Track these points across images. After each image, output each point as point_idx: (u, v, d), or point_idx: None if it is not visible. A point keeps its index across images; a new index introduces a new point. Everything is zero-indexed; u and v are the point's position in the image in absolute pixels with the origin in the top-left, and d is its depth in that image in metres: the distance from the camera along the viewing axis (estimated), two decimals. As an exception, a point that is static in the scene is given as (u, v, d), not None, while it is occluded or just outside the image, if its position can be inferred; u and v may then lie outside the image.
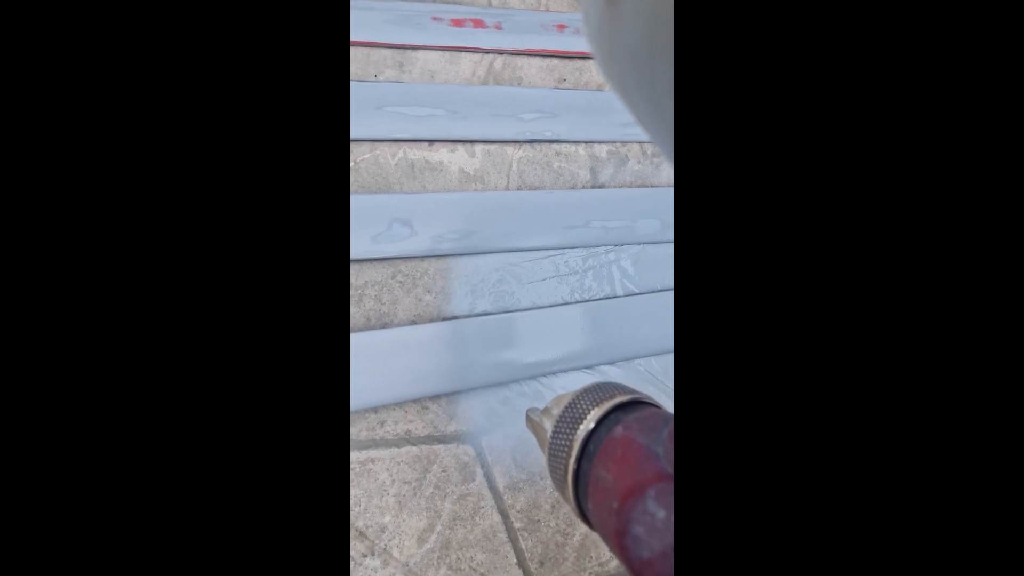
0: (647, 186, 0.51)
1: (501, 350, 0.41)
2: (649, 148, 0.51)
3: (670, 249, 0.48)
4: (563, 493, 0.23)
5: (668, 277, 0.48)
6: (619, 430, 0.21)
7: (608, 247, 0.47)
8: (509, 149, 0.47)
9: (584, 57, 0.52)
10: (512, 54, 0.49)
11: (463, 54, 0.48)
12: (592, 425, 0.22)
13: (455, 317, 0.41)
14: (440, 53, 0.47)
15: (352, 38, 0.45)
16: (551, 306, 0.44)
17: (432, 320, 0.41)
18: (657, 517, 0.17)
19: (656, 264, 0.48)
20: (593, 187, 0.49)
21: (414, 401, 0.39)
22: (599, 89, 0.52)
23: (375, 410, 0.38)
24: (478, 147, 0.46)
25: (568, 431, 0.23)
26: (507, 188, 0.46)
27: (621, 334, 0.45)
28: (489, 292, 0.43)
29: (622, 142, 0.51)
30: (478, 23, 0.49)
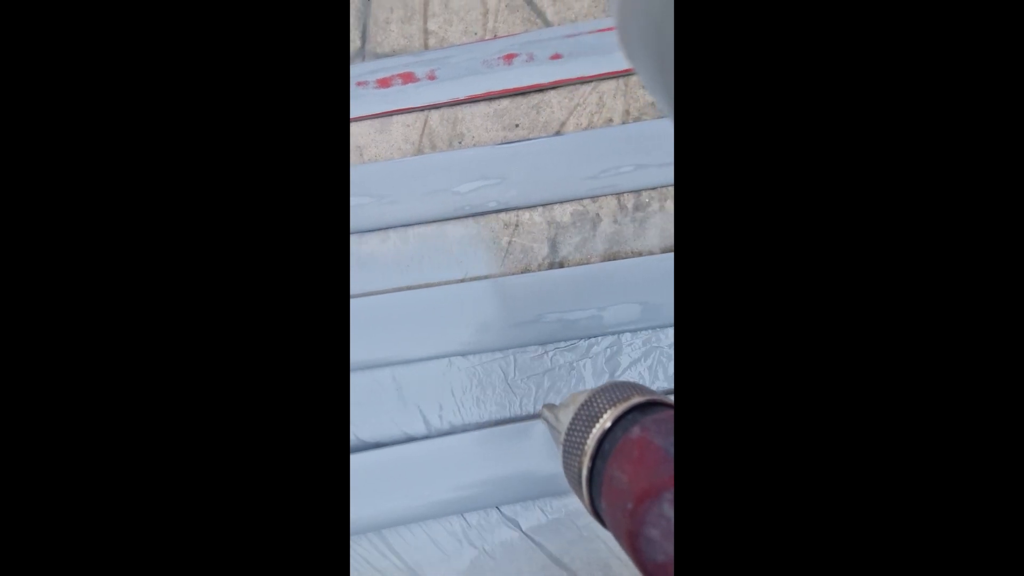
0: (624, 256, 0.39)
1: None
2: (630, 201, 0.40)
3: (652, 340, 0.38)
4: (576, 491, 0.23)
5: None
6: (636, 431, 0.21)
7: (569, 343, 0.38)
8: (449, 228, 0.40)
9: (539, 90, 0.41)
10: (451, 105, 0.41)
11: (394, 118, 0.41)
12: (608, 424, 0.22)
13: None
14: (369, 123, 0.41)
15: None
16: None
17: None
18: (672, 520, 0.17)
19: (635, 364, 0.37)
20: (552, 266, 0.39)
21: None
22: (559, 133, 0.41)
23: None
24: (412, 231, 0.40)
25: (583, 429, 0.23)
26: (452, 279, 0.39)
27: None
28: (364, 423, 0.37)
29: (591, 198, 0.40)
30: (407, 77, 0.41)
